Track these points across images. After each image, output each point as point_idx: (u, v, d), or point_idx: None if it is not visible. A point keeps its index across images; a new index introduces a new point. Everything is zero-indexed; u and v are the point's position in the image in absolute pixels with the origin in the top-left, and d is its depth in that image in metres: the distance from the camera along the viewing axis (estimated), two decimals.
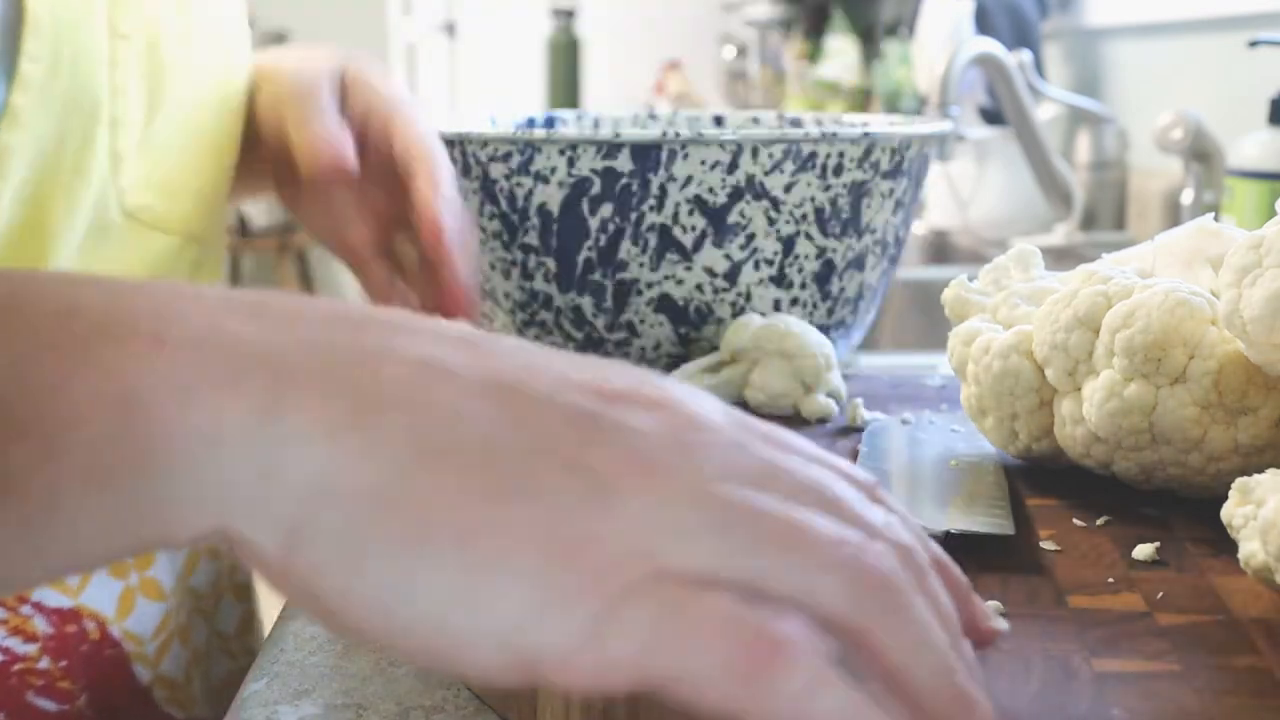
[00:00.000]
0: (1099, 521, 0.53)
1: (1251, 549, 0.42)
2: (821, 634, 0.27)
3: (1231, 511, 0.44)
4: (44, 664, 0.57)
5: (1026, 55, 1.60)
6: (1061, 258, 1.58)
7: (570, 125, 0.92)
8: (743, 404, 0.69)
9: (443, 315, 0.50)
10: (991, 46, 1.54)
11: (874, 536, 0.29)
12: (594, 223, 0.71)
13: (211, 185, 0.63)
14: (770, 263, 0.72)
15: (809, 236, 0.72)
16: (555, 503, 0.27)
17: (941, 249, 1.96)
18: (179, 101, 0.58)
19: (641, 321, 0.73)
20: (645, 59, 3.49)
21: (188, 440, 0.27)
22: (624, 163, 0.69)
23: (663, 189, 0.70)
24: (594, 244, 0.71)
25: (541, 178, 0.71)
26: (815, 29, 3.01)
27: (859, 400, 0.67)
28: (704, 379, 0.69)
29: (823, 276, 0.74)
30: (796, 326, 0.69)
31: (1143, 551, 0.49)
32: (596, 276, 0.72)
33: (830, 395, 0.69)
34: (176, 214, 0.60)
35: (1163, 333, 0.51)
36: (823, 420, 0.67)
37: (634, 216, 0.71)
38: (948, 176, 1.88)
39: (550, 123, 0.91)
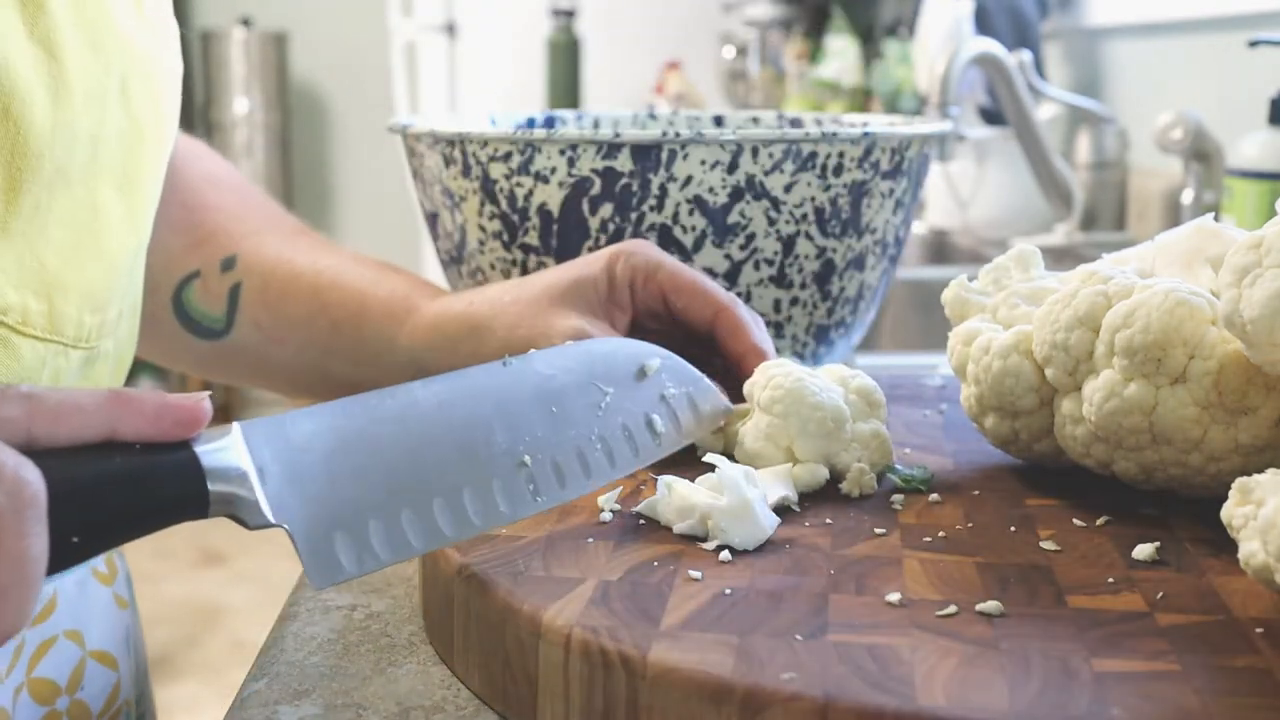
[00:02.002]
0: (1099, 521, 0.53)
1: (1251, 549, 0.42)
2: None
3: (1231, 511, 0.44)
4: None
5: (1026, 55, 1.60)
6: (1061, 258, 1.58)
7: (570, 125, 0.92)
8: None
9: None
10: (991, 46, 1.54)
11: None
12: (594, 223, 0.71)
13: (110, 277, 0.57)
14: (770, 263, 0.72)
15: (809, 236, 0.72)
16: None
17: (941, 249, 1.96)
18: (54, 178, 0.51)
19: None
20: (645, 59, 3.49)
21: None
22: (624, 163, 0.69)
23: (663, 189, 0.70)
24: (594, 244, 0.71)
25: (541, 178, 0.71)
26: (815, 29, 3.01)
27: (863, 466, 0.56)
28: (733, 424, 0.60)
29: (823, 276, 0.74)
30: (793, 379, 0.57)
31: (1143, 551, 0.49)
32: None
33: (838, 465, 0.57)
34: (54, 317, 0.53)
35: (1163, 333, 0.51)
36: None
37: (634, 216, 0.71)
38: (948, 176, 1.88)
39: (550, 123, 0.91)
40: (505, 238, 0.73)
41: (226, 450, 0.42)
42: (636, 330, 0.66)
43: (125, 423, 0.40)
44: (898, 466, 0.58)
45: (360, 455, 0.46)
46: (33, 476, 0.36)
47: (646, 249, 0.64)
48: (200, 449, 0.41)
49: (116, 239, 0.56)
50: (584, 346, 0.55)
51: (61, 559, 0.38)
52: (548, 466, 0.50)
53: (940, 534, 0.51)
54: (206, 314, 0.72)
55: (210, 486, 0.41)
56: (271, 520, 0.43)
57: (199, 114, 4.10)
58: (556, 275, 0.65)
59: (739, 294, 0.72)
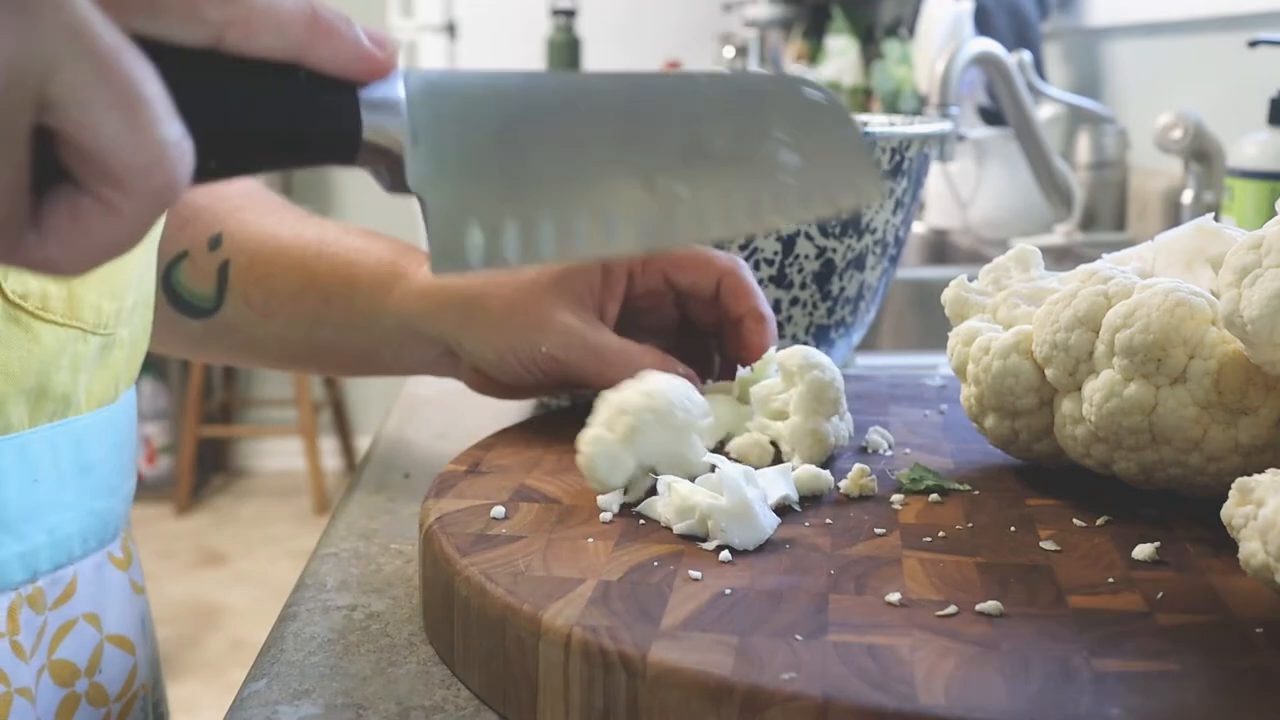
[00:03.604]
0: (1099, 521, 0.53)
1: (1251, 549, 0.42)
2: None
3: (1231, 511, 0.44)
4: None
5: (1026, 55, 1.60)
6: (1061, 258, 1.58)
7: None
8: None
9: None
10: (991, 46, 1.54)
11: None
12: None
13: (123, 269, 0.59)
14: (770, 263, 0.72)
15: (809, 236, 0.72)
16: None
17: (941, 249, 1.96)
18: None
19: None
20: (645, 59, 3.49)
21: None
22: None
23: None
24: None
25: None
26: (815, 29, 3.01)
27: (864, 468, 0.56)
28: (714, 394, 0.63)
29: (823, 276, 0.74)
30: (803, 358, 0.59)
31: (1143, 551, 0.49)
32: None
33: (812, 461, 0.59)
34: (74, 303, 0.56)
35: (1163, 333, 0.51)
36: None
37: None
38: (948, 176, 1.88)
39: None
40: None
41: (387, 103, 0.41)
42: (629, 315, 0.66)
43: (317, 50, 0.38)
44: (930, 469, 0.58)
45: (519, 144, 0.44)
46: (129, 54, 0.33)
47: None
48: (364, 94, 0.40)
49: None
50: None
51: (204, 156, 0.36)
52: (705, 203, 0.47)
53: (940, 534, 0.51)
54: (196, 293, 0.72)
55: (364, 136, 0.40)
56: (410, 186, 0.42)
57: None
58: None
59: None
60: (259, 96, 0.38)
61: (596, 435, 0.54)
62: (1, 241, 0.33)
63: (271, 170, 0.40)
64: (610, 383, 0.61)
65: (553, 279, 0.64)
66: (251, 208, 0.74)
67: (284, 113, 0.38)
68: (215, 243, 0.72)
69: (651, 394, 0.55)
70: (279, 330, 0.72)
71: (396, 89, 0.41)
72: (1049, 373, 0.55)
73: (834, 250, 0.73)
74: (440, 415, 0.83)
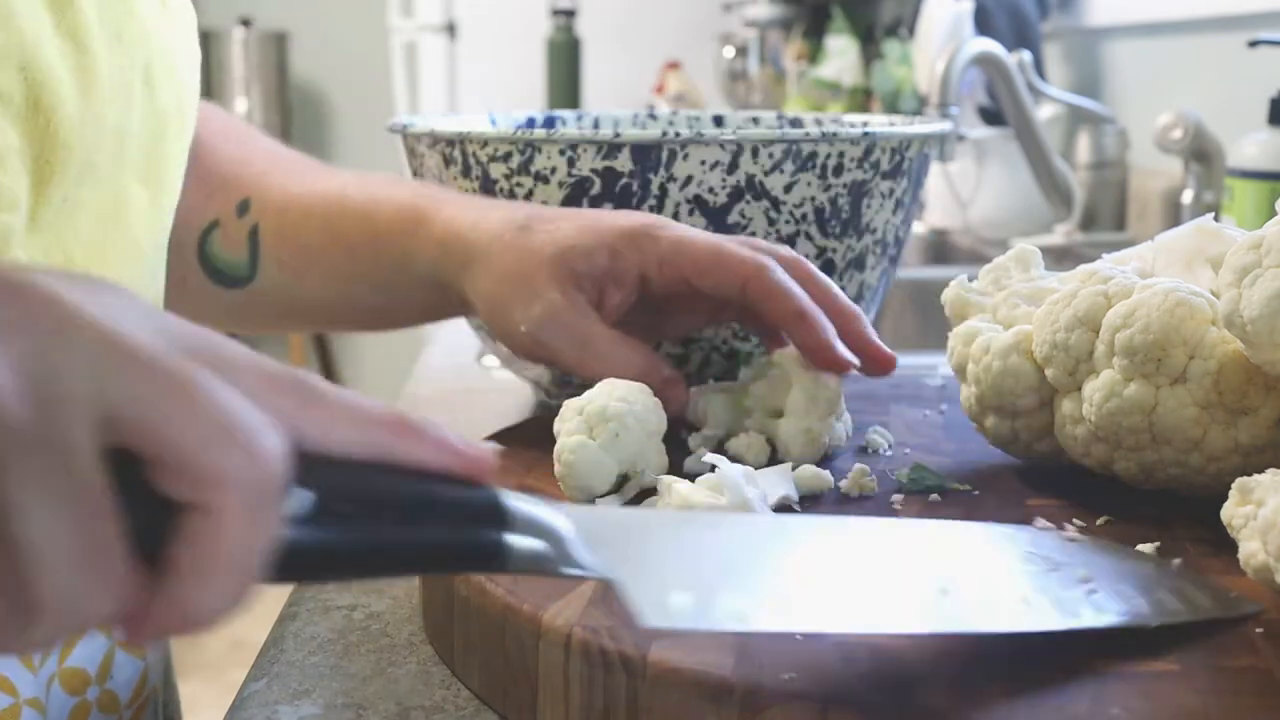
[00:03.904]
0: (1099, 521, 0.53)
1: (1251, 549, 0.42)
2: None
3: (1231, 511, 0.44)
4: None
5: (1026, 55, 1.60)
6: (1061, 258, 1.58)
7: (570, 125, 0.92)
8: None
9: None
10: (991, 46, 1.54)
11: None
12: None
13: (137, 269, 0.57)
14: None
15: (809, 236, 0.72)
16: None
17: (941, 249, 1.96)
18: (83, 171, 0.52)
19: None
20: (645, 59, 3.48)
21: None
22: (624, 163, 0.69)
23: (663, 189, 0.70)
24: None
25: (541, 178, 0.71)
26: (815, 29, 3.01)
27: (864, 468, 0.57)
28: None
29: None
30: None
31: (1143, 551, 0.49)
32: None
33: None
34: None
35: (1163, 333, 0.51)
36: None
37: None
38: (948, 176, 1.88)
39: (550, 123, 0.91)
40: None
41: (530, 499, 0.36)
42: (652, 312, 0.65)
43: (403, 448, 0.34)
44: (930, 469, 0.58)
45: (717, 557, 0.39)
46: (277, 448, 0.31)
47: (663, 230, 0.63)
48: (499, 490, 0.35)
49: (142, 231, 0.57)
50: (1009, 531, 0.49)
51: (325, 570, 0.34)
52: (973, 597, 0.41)
53: None
54: (230, 261, 0.72)
55: (513, 532, 0.35)
56: (592, 567, 0.36)
57: None
58: (559, 231, 0.64)
59: None
60: (390, 490, 0.34)
61: (580, 443, 0.54)
62: (127, 613, 0.32)
63: (415, 572, 0.36)
64: (589, 372, 0.60)
65: (556, 253, 0.62)
66: (276, 169, 0.75)
67: (417, 510, 0.34)
68: (243, 208, 0.72)
69: (628, 398, 0.55)
70: (315, 291, 0.72)
71: (536, 499, 0.37)
72: (1049, 373, 0.55)
73: (834, 250, 0.73)
74: (440, 415, 0.83)
